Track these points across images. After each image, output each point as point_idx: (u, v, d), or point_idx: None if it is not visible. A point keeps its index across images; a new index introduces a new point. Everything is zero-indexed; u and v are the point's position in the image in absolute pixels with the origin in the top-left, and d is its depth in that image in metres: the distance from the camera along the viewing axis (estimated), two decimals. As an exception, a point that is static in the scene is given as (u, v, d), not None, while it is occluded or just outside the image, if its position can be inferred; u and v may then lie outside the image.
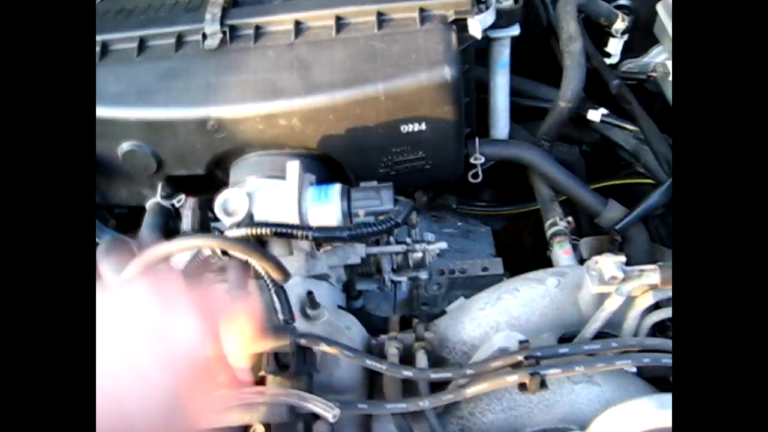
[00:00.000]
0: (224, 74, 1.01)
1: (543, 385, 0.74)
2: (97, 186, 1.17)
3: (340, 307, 1.03)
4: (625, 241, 1.16)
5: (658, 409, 0.69)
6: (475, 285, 1.19)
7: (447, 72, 0.98)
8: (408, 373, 0.79)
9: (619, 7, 1.31)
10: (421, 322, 0.95)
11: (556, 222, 1.14)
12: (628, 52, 1.35)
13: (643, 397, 0.71)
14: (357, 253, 0.98)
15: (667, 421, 0.67)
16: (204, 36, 1.03)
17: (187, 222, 1.07)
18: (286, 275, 0.80)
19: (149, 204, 1.13)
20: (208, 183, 1.15)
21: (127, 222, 1.29)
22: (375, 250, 1.00)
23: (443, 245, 1.02)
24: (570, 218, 1.15)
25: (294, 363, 0.81)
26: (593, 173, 1.40)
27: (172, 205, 1.12)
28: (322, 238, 0.88)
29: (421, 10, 1.01)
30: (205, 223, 1.07)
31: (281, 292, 0.88)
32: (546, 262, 1.18)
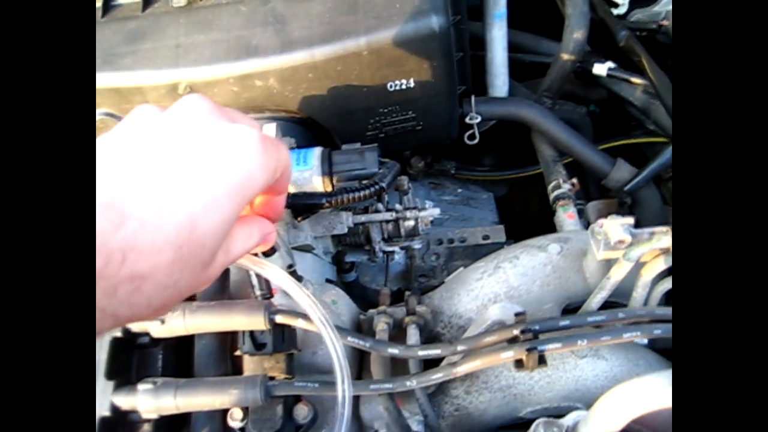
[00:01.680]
0: (194, 33, 0.93)
1: (542, 361, 0.67)
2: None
3: (328, 280, 0.96)
4: (635, 204, 1.08)
5: (663, 386, 0.61)
6: (476, 254, 1.12)
7: (434, 21, 0.89)
8: (393, 350, 0.72)
9: (626, -48, 1.21)
10: (414, 295, 0.88)
11: (560, 184, 1.06)
12: (636, 1, 1.25)
13: (654, 373, 0.64)
14: (343, 222, 0.90)
15: (668, 398, 0.60)
16: (172, -8, 0.96)
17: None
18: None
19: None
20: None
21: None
22: (363, 218, 0.93)
23: (436, 212, 0.94)
24: (575, 180, 1.06)
25: (271, 341, 0.75)
26: (601, 134, 1.31)
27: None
28: (298, 204, 0.81)
29: (406, -45, 0.93)
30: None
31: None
32: (551, 229, 1.10)
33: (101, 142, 0.42)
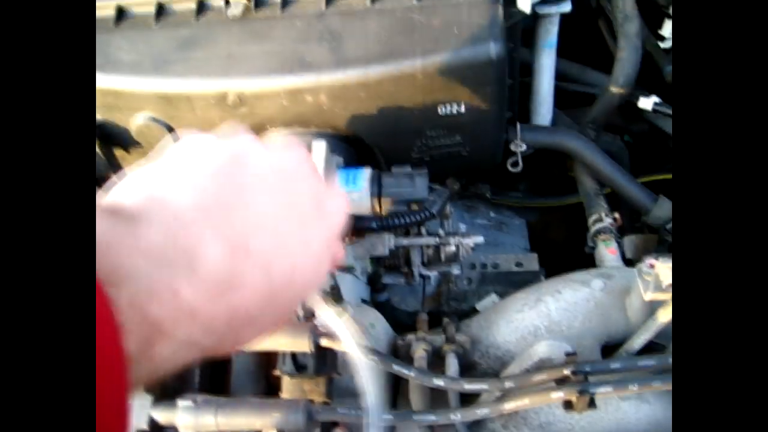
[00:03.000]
0: (247, 44, 0.93)
1: (592, 404, 0.66)
2: (110, 160, 1.10)
3: (363, 301, 0.95)
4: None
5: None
6: (507, 281, 1.11)
7: (492, 49, 0.88)
8: (439, 382, 0.71)
9: (678, -15, 1.20)
10: (452, 323, 0.87)
11: (601, 218, 1.05)
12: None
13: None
14: (385, 244, 0.90)
15: None
16: (227, 2, 0.95)
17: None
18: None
19: (164, 181, 1.06)
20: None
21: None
22: (405, 241, 0.92)
23: (479, 239, 0.93)
24: (617, 214, 1.05)
25: (313, 364, 0.74)
26: (636, 167, 1.30)
27: (188, 183, 1.04)
28: (349, 227, 0.80)
29: (466, -20, 0.92)
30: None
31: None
32: (581, 260, 1.09)
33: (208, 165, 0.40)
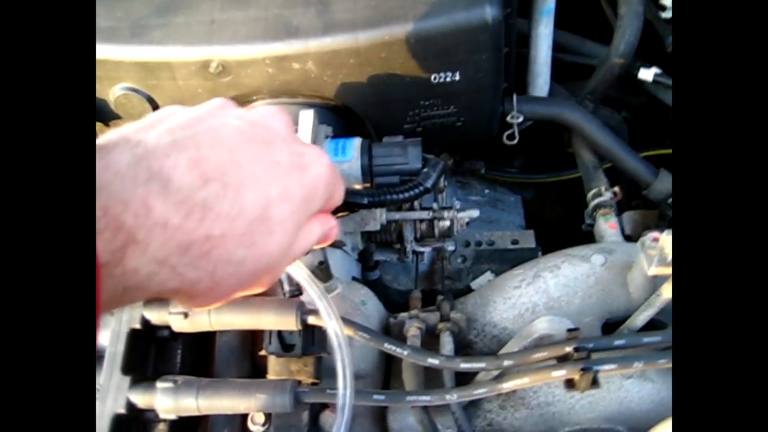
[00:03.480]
0: (231, 9, 0.88)
1: (595, 382, 0.63)
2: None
3: (354, 278, 0.92)
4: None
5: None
6: (503, 259, 1.07)
7: (488, 12, 0.84)
8: (433, 360, 0.68)
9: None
10: (447, 300, 0.84)
11: (601, 192, 1.01)
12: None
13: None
14: (376, 218, 0.85)
15: None
16: (209, -36, 0.90)
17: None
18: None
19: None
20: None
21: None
22: (397, 216, 0.88)
23: (475, 213, 0.89)
24: (617, 188, 1.01)
25: (300, 343, 0.70)
26: (635, 141, 1.26)
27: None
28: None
29: (460, -59, 0.87)
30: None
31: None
32: (577, 238, 1.06)
33: (187, 111, 0.42)
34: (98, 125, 1.03)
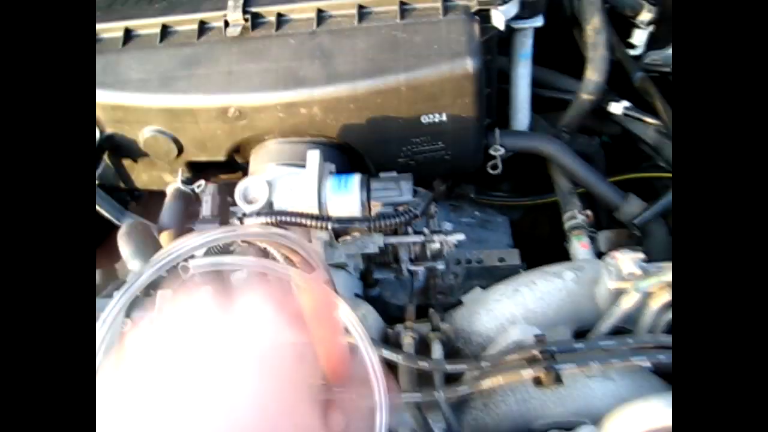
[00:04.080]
0: (246, 62, 1.02)
1: (558, 380, 0.75)
2: (119, 170, 1.19)
3: (356, 295, 1.04)
4: (644, 236, 1.15)
5: (663, 407, 0.69)
6: (491, 275, 1.19)
7: (469, 64, 0.97)
8: (424, 363, 0.80)
9: (646, -2, 1.29)
10: (437, 313, 0.96)
11: (575, 215, 1.14)
12: (652, 43, 1.33)
13: (655, 396, 0.71)
14: (375, 242, 0.98)
15: (668, 418, 0.67)
16: (226, 23, 1.04)
17: (206, 207, 1.07)
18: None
19: (170, 189, 1.14)
20: (227, 168, 1.16)
21: (147, 203, 1.31)
22: (393, 240, 1.00)
23: (461, 237, 1.02)
24: (589, 211, 1.14)
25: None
26: (613, 166, 1.39)
27: (192, 190, 1.13)
28: (342, 228, 0.89)
29: (445, 0, 1.01)
30: (224, 208, 1.08)
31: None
32: (563, 254, 1.18)
33: None
34: (128, 161, 1.17)
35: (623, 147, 1.44)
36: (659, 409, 0.69)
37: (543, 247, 1.35)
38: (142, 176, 1.19)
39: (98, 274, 1.18)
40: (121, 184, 1.21)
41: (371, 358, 0.72)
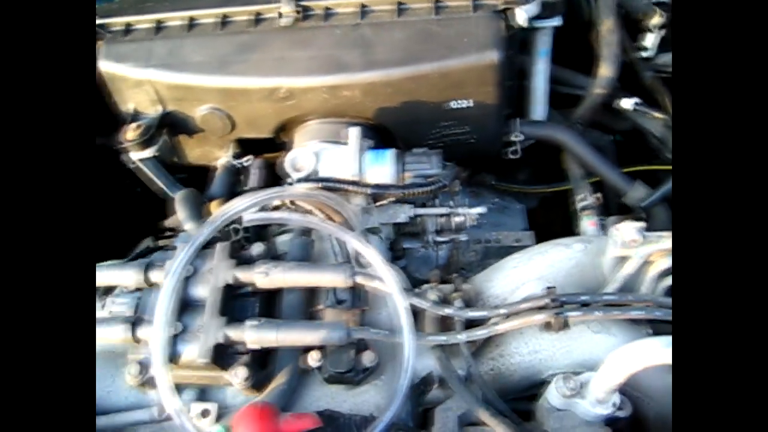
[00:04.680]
0: (296, 49, 1.14)
1: (566, 325, 0.86)
2: (175, 146, 1.32)
3: (385, 261, 1.15)
4: (648, 219, 1.26)
5: (664, 347, 0.79)
6: (507, 254, 1.30)
7: (494, 55, 1.09)
8: (448, 310, 0.92)
9: (658, 4, 1.40)
10: (459, 276, 1.07)
11: (585, 197, 1.26)
12: (663, 46, 1.44)
13: (650, 338, 0.82)
14: (405, 212, 1.10)
15: (669, 358, 0.77)
16: (279, 14, 1.17)
17: (253, 179, 1.21)
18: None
19: (220, 162, 1.27)
20: (271, 146, 1.28)
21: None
22: (422, 211, 1.12)
23: (483, 210, 1.13)
24: (599, 194, 1.26)
25: (350, 298, 0.94)
26: (624, 159, 1.50)
27: (240, 164, 1.26)
28: (379, 193, 1.01)
29: (474, -2, 1.13)
30: (268, 182, 1.21)
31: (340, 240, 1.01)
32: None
33: None
34: (183, 137, 1.30)
35: (634, 144, 1.55)
36: (657, 348, 0.78)
37: (554, 235, 1.46)
38: (194, 151, 1.31)
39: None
40: (174, 159, 1.34)
41: (401, 303, 0.85)
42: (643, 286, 0.98)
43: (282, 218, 0.98)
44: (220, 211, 0.98)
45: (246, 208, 0.92)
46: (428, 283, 1.14)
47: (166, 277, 0.91)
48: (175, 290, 0.91)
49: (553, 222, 1.69)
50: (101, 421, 1.01)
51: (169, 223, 2.05)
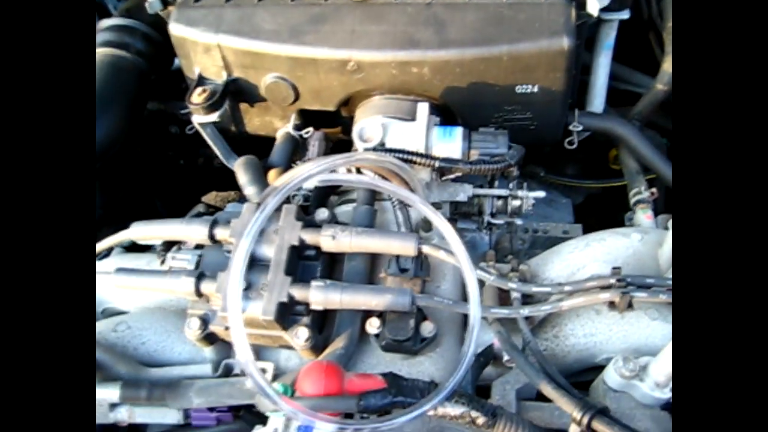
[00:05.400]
0: (368, 23, 1.16)
1: (630, 306, 0.87)
2: (234, 115, 1.33)
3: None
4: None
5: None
6: (554, 245, 1.31)
7: (565, 42, 1.10)
8: (513, 284, 0.93)
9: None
10: (516, 257, 1.08)
11: (641, 191, 1.26)
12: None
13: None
14: (465, 191, 1.11)
15: None
16: (351, -11, 1.18)
17: (313, 150, 1.22)
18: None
19: (280, 132, 1.29)
20: (329, 121, 1.30)
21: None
22: (481, 191, 1.13)
23: (541, 194, 1.14)
24: (654, 189, 1.26)
25: (413, 266, 0.95)
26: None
27: (300, 135, 1.27)
28: (446, 167, 1.02)
29: (547, -15, 1.14)
30: (327, 154, 1.22)
31: (405, 210, 1.02)
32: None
33: None
34: (244, 105, 1.32)
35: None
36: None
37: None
38: (254, 120, 1.33)
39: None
40: (232, 128, 1.36)
41: (470, 272, 0.86)
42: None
43: (355, 180, 1.00)
44: (290, 174, 1.00)
45: (318, 172, 0.93)
46: (484, 262, 1.15)
47: (243, 237, 0.91)
48: (249, 251, 0.92)
49: (597, 215, 1.70)
50: (157, 373, 1.03)
51: (208, 198, 2.09)
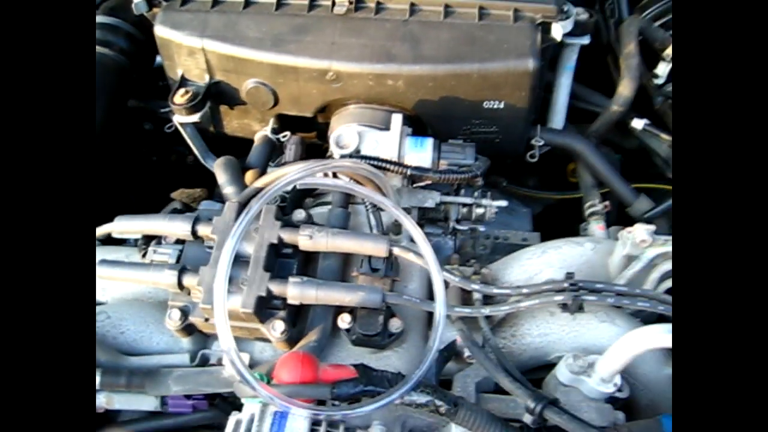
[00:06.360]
0: (348, 36, 1.23)
1: (581, 308, 0.95)
2: (214, 116, 1.39)
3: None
4: (649, 230, 1.37)
5: (665, 333, 0.88)
6: (514, 251, 1.40)
7: (530, 63, 1.19)
8: (475, 286, 1.01)
9: (675, 36, 1.51)
10: (478, 262, 1.16)
11: (595, 204, 1.36)
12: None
13: (653, 325, 0.91)
14: (433, 198, 1.19)
15: (669, 342, 0.86)
16: (334, 2, 1.25)
17: (289, 153, 1.28)
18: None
19: (258, 135, 1.35)
20: (308, 125, 1.36)
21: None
22: (448, 198, 1.21)
23: (503, 203, 1.23)
24: (607, 202, 1.36)
25: (384, 267, 1.02)
26: (627, 178, 1.61)
27: (278, 139, 1.33)
28: (417, 175, 1.10)
29: (516, 10, 1.23)
30: (303, 158, 1.28)
31: (377, 213, 1.09)
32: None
33: None
34: (224, 107, 1.37)
35: (638, 163, 1.66)
36: (661, 333, 0.88)
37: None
38: (233, 122, 1.39)
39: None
40: (210, 128, 1.41)
41: (437, 274, 0.93)
42: (646, 286, 1.08)
43: (332, 184, 1.06)
44: (272, 177, 1.06)
45: (301, 176, 0.99)
46: (449, 265, 1.23)
47: (230, 237, 0.95)
48: (235, 249, 0.97)
49: (554, 225, 1.80)
50: (136, 361, 1.08)
51: (175, 195, 2.13)
